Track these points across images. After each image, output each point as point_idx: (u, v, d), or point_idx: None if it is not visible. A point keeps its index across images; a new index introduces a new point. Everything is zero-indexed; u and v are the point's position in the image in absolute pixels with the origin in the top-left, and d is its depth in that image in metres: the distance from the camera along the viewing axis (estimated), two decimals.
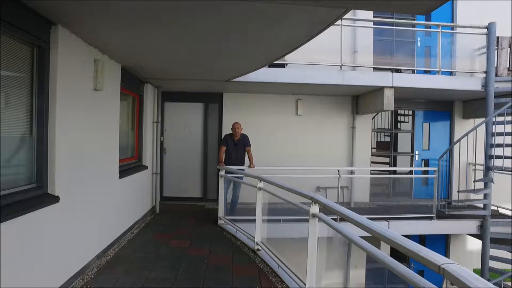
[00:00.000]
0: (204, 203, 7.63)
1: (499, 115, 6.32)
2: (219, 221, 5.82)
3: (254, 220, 4.52)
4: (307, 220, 3.03)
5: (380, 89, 6.56)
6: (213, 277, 3.74)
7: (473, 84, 6.74)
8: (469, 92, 6.99)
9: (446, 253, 8.12)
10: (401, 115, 8.74)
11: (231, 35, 3.40)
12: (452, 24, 7.80)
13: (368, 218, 2.05)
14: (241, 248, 4.74)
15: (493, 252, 6.59)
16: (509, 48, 6.81)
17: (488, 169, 6.54)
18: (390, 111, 8.01)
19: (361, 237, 2.17)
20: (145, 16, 2.90)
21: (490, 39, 6.65)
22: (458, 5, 8.06)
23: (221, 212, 5.86)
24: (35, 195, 2.90)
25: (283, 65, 6.67)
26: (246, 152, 6.32)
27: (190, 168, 7.79)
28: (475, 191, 6.66)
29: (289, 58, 6.16)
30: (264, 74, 6.15)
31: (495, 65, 6.73)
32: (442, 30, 6.92)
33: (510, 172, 6.27)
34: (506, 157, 6.26)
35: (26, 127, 2.90)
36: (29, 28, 2.75)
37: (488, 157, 6.55)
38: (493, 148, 6.46)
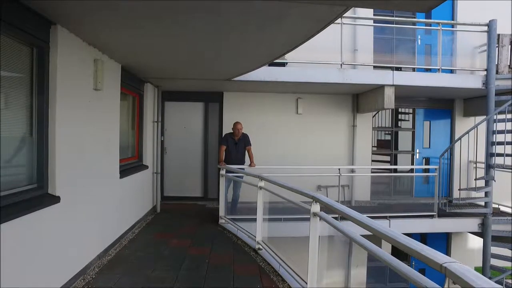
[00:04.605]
0: (204, 202, 7.63)
1: (500, 112, 6.31)
2: (220, 220, 5.82)
3: (255, 219, 4.52)
4: (308, 219, 3.03)
5: (381, 88, 6.56)
6: (214, 276, 3.74)
7: (474, 82, 6.72)
8: (469, 90, 6.97)
9: (447, 252, 8.12)
10: (401, 113, 8.73)
11: (231, 34, 3.40)
12: (452, 21, 7.77)
13: (369, 216, 2.05)
14: (242, 247, 4.74)
15: (494, 250, 6.59)
16: (510, 46, 6.78)
17: (489, 167, 6.53)
18: (390, 110, 7.99)
19: (362, 235, 2.16)
20: (145, 16, 2.89)
21: (490, 36, 6.64)
22: (458, 3, 8.04)
23: (222, 212, 5.86)
24: (36, 195, 2.90)
25: (283, 64, 6.66)
26: (246, 151, 6.32)
27: (190, 168, 7.79)
28: (476, 189, 6.64)
29: (289, 56, 6.14)
30: (264, 73, 6.14)
31: (496, 63, 6.71)
32: (443, 28, 6.90)
33: (511, 170, 6.27)
34: (507, 155, 6.26)
35: (26, 127, 2.89)
36: (29, 28, 2.74)
37: (489, 155, 6.54)
38: (494, 146, 6.45)
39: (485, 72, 6.72)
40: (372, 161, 8.09)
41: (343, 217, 2.31)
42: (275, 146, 7.64)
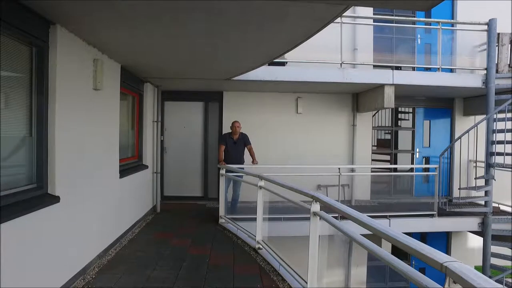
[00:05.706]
0: (204, 202, 7.63)
1: (500, 112, 6.31)
2: (220, 220, 5.82)
3: (255, 219, 4.52)
4: (308, 219, 3.02)
5: (381, 87, 6.55)
6: (214, 276, 3.74)
7: (474, 81, 6.72)
8: (469, 89, 6.97)
9: (447, 251, 8.12)
10: (401, 112, 8.73)
11: (231, 34, 3.39)
12: (452, 20, 7.76)
13: (369, 216, 2.04)
14: (242, 247, 4.74)
15: (494, 249, 6.59)
16: (509, 45, 6.78)
17: (489, 166, 6.53)
18: (390, 109, 7.99)
19: (362, 235, 2.16)
20: (145, 16, 2.89)
21: (490, 35, 6.63)
22: (458, 2, 8.03)
23: (222, 211, 5.86)
24: (36, 195, 2.90)
25: (283, 63, 6.65)
26: (248, 151, 6.33)
27: (190, 167, 7.79)
28: (476, 188, 6.65)
29: (289, 56, 6.11)
30: (264, 73, 6.14)
31: (496, 62, 6.71)
32: (443, 27, 6.89)
33: (510, 169, 6.26)
34: (507, 154, 6.26)
35: (26, 127, 2.89)
36: (28, 28, 2.74)
37: (489, 154, 6.54)
38: (494, 145, 6.45)
39: (485, 71, 6.72)
40: (372, 160, 8.08)
41: (343, 216, 2.31)
42: (275, 145, 7.63)
